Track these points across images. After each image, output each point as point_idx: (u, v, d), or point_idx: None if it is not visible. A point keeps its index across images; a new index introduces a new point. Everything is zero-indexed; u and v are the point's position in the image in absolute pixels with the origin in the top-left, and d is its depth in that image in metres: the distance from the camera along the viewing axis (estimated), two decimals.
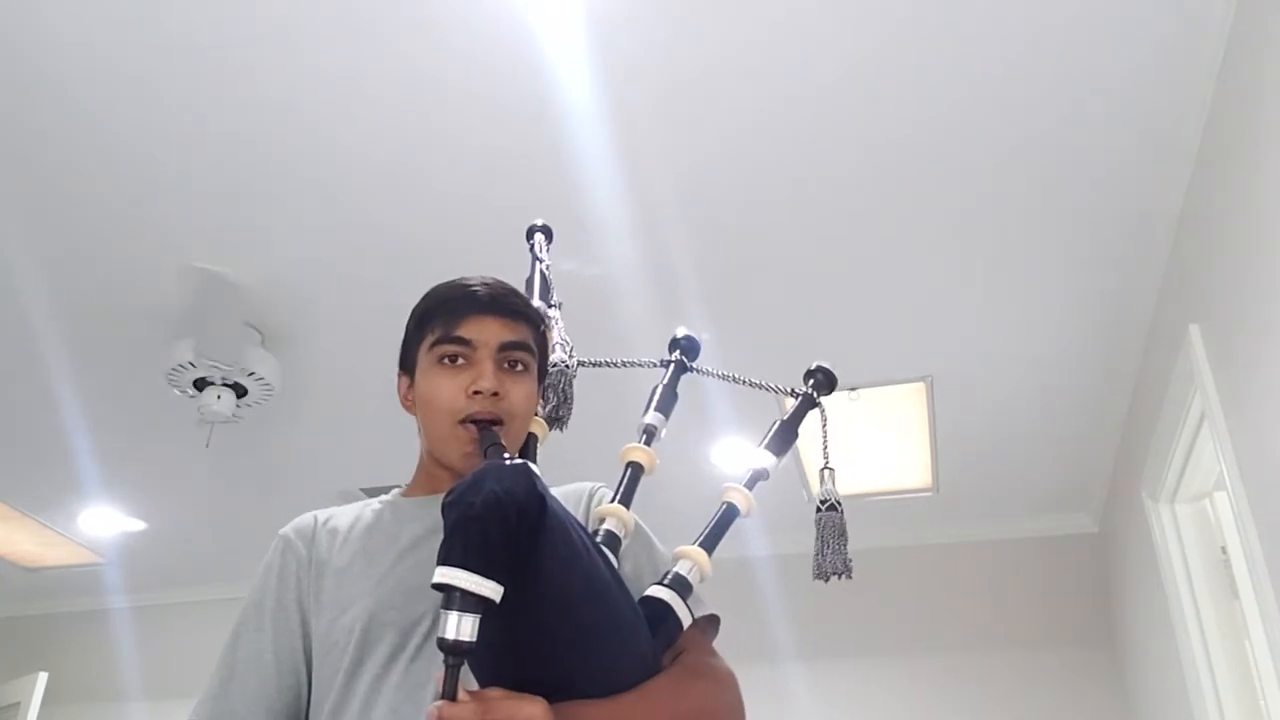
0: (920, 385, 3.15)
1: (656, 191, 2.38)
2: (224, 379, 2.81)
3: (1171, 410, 2.52)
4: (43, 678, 4.09)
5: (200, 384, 2.83)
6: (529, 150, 2.26)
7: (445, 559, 0.87)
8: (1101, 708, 3.68)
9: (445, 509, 0.90)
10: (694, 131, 2.22)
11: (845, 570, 1.23)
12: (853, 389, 3.15)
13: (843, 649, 4.02)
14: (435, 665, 1.04)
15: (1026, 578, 3.99)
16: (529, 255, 1.44)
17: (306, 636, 1.15)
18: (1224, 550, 2.60)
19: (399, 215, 2.47)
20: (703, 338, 1.39)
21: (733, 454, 3.48)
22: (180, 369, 2.79)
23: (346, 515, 1.25)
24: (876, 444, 3.52)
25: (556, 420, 1.34)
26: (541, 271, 1.41)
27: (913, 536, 4.11)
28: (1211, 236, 2.16)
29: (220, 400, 2.83)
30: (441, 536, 1.14)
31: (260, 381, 2.88)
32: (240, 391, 2.88)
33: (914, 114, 2.15)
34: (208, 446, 3.15)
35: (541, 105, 2.13)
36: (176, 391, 2.88)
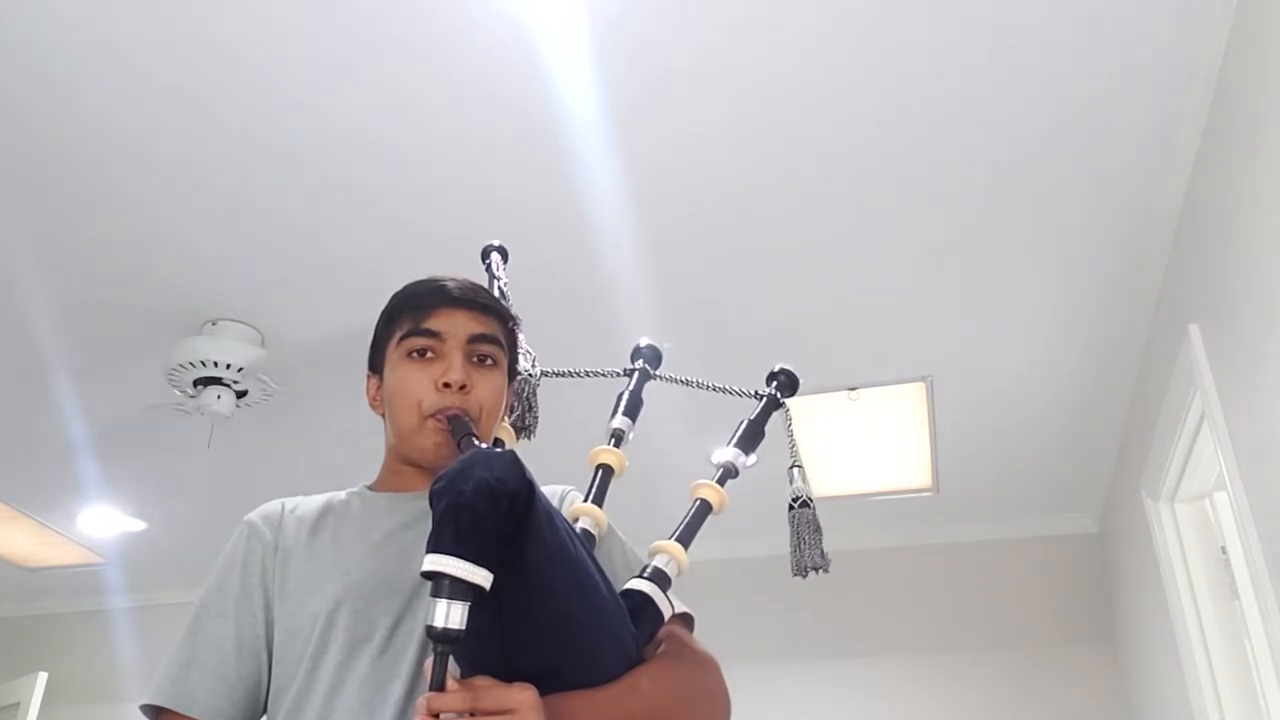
0: (920, 385, 3.14)
1: (655, 189, 2.38)
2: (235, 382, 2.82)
3: (1171, 410, 2.52)
4: (43, 678, 4.08)
5: (200, 383, 2.83)
6: (531, 148, 2.26)
7: (435, 546, 0.86)
8: (1101, 708, 3.68)
9: (434, 496, 0.89)
10: (691, 128, 2.21)
11: (823, 564, 1.23)
12: (853, 389, 3.15)
13: (842, 650, 4.02)
14: (403, 659, 1.05)
15: (1026, 578, 4.00)
16: (486, 273, 1.48)
17: (269, 623, 1.13)
18: (1224, 550, 2.59)
19: (399, 214, 2.47)
20: (665, 346, 1.42)
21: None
22: (180, 368, 2.79)
23: (314, 504, 1.25)
24: (876, 444, 3.52)
25: (523, 429, 1.36)
26: (500, 288, 1.44)
27: (913, 536, 4.11)
28: (1211, 236, 2.16)
29: (220, 400, 2.82)
30: (412, 531, 1.15)
31: (260, 381, 2.88)
32: (240, 392, 2.88)
33: (914, 112, 2.15)
34: (208, 447, 3.15)
35: (538, 102, 2.13)
36: (177, 391, 2.88)
